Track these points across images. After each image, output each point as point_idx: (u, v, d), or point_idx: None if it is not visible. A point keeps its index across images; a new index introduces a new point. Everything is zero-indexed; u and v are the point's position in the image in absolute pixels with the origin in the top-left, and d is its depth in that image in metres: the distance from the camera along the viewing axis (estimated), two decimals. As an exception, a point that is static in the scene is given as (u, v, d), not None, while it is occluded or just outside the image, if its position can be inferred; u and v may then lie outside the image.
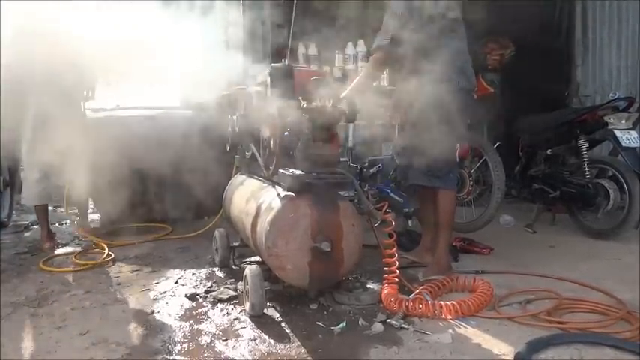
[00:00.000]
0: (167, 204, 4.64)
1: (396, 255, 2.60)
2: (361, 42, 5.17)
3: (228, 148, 3.43)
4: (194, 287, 2.90)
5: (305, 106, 2.50)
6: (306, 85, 2.61)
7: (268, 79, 2.70)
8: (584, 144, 4.05)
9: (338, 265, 2.43)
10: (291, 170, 2.45)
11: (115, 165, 3.98)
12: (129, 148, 4.10)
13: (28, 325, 2.39)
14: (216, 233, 3.30)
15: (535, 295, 2.59)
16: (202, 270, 3.22)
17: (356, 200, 2.55)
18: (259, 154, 2.93)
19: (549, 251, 3.65)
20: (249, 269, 2.47)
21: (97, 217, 5.00)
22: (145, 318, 2.46)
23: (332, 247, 2.34)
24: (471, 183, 4.09)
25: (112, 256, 3.50)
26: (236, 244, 3.26)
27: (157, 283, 3.00)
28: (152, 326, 2.36)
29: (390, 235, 2.60)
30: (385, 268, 2.59)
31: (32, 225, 4.67)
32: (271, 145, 2.64)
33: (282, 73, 2.69)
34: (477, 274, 2.94)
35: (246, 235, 2.80)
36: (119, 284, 2.97)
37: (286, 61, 2.91)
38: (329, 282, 2.53)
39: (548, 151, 4.37)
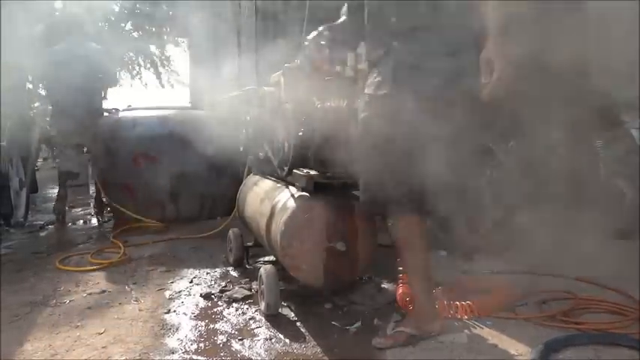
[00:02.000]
0: (180, 204, 4.68)
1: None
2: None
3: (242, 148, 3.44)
4: (209, 287, 2.91)
5: (319, 105, 2.49)
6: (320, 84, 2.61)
7: (282, 79, 2.70)
8: (599, 142, 4.01)
9: (353, 265, 2.43)
10: (305, 170, 2.45)
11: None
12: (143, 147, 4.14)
13: (45, 324, 2.42)
14: (231, 233, 3.31)
15: (551, 296, 2.57)
16: (217, 270, 3.23)
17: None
18: (273, 154, 2.93)
19: (564, 251, 3.61)
20: (264, 269, 2.47)
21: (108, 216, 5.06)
22: (161, 317, 2.48)
23: (347, 247, 2.35)
24: None
25: (127, 255, 3.53)
26: (250, 244, 3.27)
27: (172, 282, 3.02)
28: (168, 325, 2.38)
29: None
30: (400, 268, 2.58)
31: (47, 225, 4.73)
32: (285, 145, 2.64)
33: (295, 72, 2.68)
34: (492, 275, 2.93)
35: (260, 235, 2.81)
36: (135, 283, 3.00)
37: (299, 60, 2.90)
38: (344, 282, 2.52)
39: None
